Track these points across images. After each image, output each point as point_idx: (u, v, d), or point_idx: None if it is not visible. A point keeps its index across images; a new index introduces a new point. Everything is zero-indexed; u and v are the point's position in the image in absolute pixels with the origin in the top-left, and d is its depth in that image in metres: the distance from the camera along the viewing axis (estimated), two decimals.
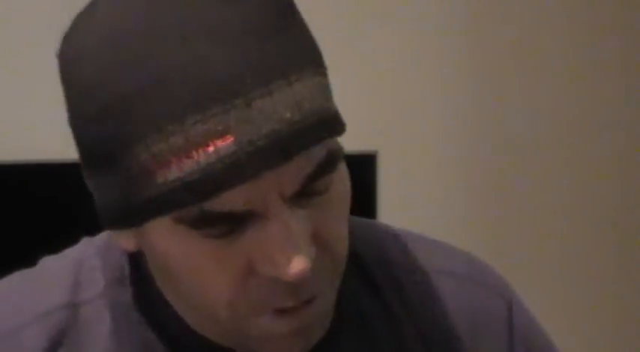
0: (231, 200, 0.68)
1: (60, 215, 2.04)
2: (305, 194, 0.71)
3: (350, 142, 2.56)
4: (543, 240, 2.69)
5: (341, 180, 0.74)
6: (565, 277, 2.72)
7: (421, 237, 0.93)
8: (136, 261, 0.83)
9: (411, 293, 0.88)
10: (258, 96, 0.67)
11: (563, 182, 2.69)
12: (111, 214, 0.73)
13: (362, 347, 0.86)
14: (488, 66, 2.58)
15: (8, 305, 0.84)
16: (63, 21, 2.17)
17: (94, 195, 0.75)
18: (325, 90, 0.72)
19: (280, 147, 0.67)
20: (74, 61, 0.71)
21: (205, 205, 0.68)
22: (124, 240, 0.77)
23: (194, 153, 0.67)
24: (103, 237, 0.87)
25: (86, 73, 0.70)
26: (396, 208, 2.55)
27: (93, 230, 2.00)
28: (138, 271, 0.83)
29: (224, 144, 0.66)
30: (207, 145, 0.66)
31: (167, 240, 0.71)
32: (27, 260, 2.02)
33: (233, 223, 0.69)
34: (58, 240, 2.07)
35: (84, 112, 0.71)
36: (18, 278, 0.86)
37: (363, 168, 2.34)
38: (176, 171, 0.67)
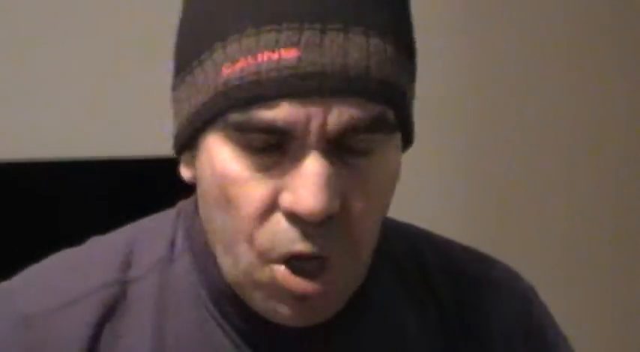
0: (278, 112, 0.73)
1: (60, 215, 2.04)
2: (344, 146, 0.75)
3: None
4: (543, 239, 2.70)
5: (386, 164, 0.77)
6: (565, 277, 2.72)
7: (449, 240, 0.96)
8: (189, 235, 0.86)
9: (442, 292, 0.91)
10: (336, 29, 0.73)
11: (561, 182, 2.70)
12: (181, 130, 0.80)
13: (388, 336, 0.87)
14: (488, 65, 2.58)
15: (57, 281, 0.85)
16: (62, 21, 2.17)
17: (174, 116, 0.82)
18: (400, 76, 0.76)
19: (340, 80, 0.73)
20: None
21: (254, 111, 0.73)
22: (185, 169, 0.83)
23: (259, 57, 0.73)
24: (150, 219, 0.90)
25: None
26: (394, 208, 2.56)
27: (93, 230, 1.99)
28: (190, 243, 0.86)
29: (289, 56, 0.72)
30: (274, 52, 0.73)
31: (215, 156, 0.76)
32: (27, 260, 2.01)
33: (273, 141, 0.74)
34: (58, 240, 2.07)
35: (185, 16, 0.80)
36: (67, 256, 0.88)
37: None
38: (239, 71, 0.73)
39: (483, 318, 0.91)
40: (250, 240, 0.76)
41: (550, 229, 2.70)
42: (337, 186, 0.74)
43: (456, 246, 0.96)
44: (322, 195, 0.72)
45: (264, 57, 0.73)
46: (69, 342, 0.82)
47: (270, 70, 0.72)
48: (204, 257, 0.84)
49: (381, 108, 0.75)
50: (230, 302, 0.83)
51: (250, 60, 0.73)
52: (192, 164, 0.82)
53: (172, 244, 0.86)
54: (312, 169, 0.73)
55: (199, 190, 0.82)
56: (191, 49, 0.78)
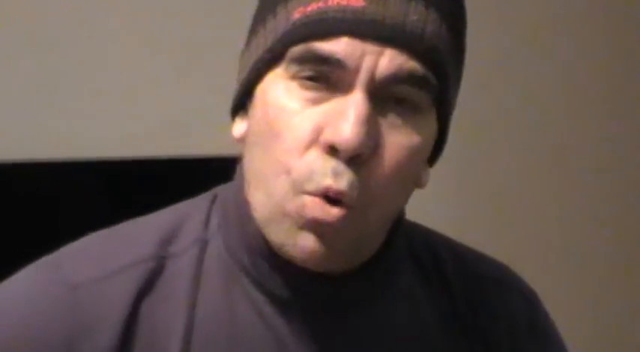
0: (337, 44, 0.82)
1: (60, 215, 2.04)
2: (388, 96, 0.83)
3: None
4: (542, 240, 2.69)
5: (417, 134, 0.85)
6: (564, 277, 2.72)
7: (460, 243, 1.03)
8: (224, 212, 0.92)
9: (456, 287, 0.97)
10: None
11: (559, 183, 2.69)
12: (243, 81, 0.88)
13: (407, 321, 0.93)
14: (484, 66, 2.58)
15: (102, 253, 0.90)
16: (60, 21, 2.17)
17: (238, 75, 0.91)
18: (449, 57, 0.85)
19: (397, 32, 0.82)
20: None
21: (315, 43, 0.82)
22: (238, 124, 0.91)
23: (330, 1, 0.82)
24: (185, 204, 0.95)
25: None
26: None
27: (93, 230, 1.99)
28: (224, 220, 0.91)
29: (356, 4, 0.82)
30: None
31: (269, 92, 0.85)
32: (27, 260, 2.01)
33: (327, 72, 0.82)
34: (58, 239, 2.07)
35: None
36: (109, 232, 0.93)
37: None
38: (308, 13, 0.83)
39: (491, 314, 0.97)
40: (288, 172, 0.83)
41: (546, 230, 2.70)
42: (373, 131, 0.82)
43: (464, 246, 1.03)
44: (359, 129, 0.80)
45: (334, 1, 0.82)
46: (112, 309, 0.86)
47: (337, 11, 0.82)
48: (241, 210, 0.89)
49: (427, 71, 0.83)
50: (262, 256, 0.88)
51: (321, 3, 0.83)
52: (245, 117, 0.90)
53: (207, 226, 0.92)
54: (355, 106, 0.81)
55: (247, 139, 0.89)
56: (268, 3, 0.87)
